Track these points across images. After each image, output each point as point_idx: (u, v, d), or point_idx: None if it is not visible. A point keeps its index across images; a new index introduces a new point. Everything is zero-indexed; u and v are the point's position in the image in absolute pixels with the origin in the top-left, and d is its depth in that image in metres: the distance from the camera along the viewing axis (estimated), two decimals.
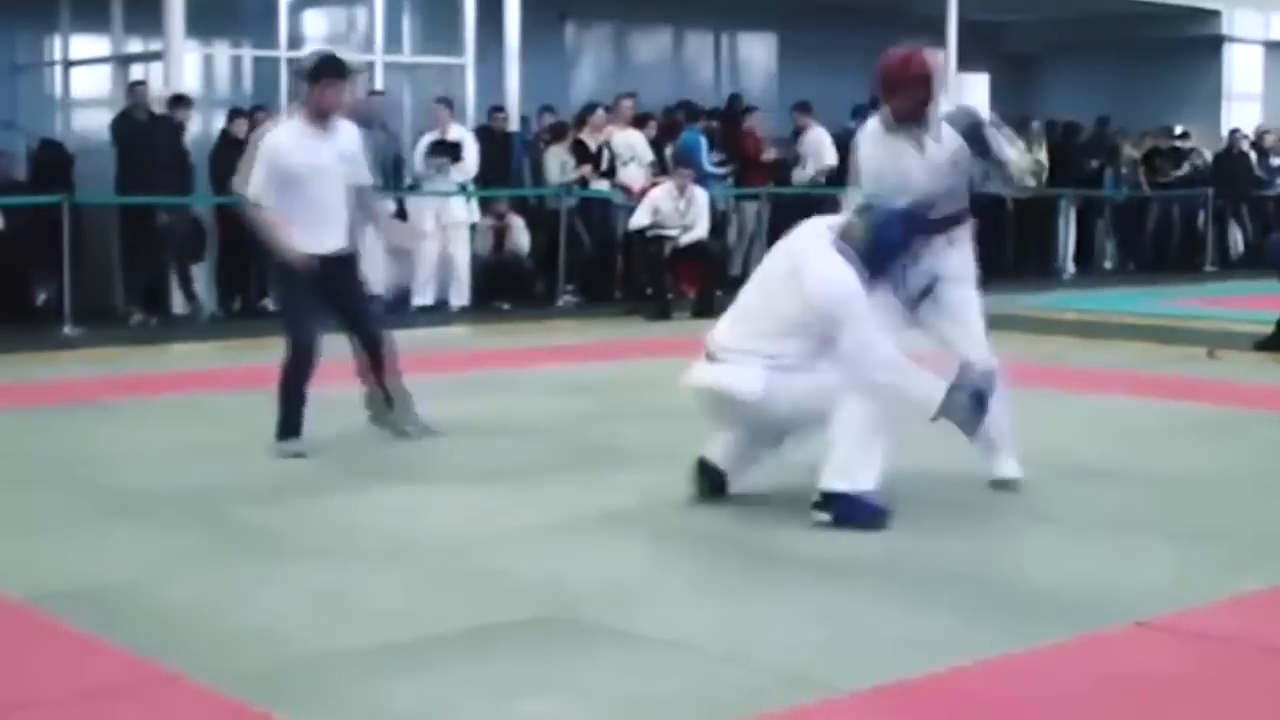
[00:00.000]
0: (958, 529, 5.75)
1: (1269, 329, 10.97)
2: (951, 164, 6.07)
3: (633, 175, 14.86)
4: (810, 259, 5.80)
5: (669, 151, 15.07)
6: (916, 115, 6.01)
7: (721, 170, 15.68)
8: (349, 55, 7.84)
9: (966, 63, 19.49)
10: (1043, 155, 18.21)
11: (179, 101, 13.27)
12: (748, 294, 6.00)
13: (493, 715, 3.85)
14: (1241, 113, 22.32)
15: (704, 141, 15.39)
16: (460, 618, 4.60)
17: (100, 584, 5.00)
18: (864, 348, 5.68)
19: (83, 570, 5.19)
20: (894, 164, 6.07)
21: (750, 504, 6.03)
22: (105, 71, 15.44)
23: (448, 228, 14.11)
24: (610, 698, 3.94)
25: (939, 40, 18.95)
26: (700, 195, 13.97)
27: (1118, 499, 6.29)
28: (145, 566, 5.24)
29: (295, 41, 15.24)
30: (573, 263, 14.75)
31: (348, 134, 7.35)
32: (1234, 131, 20.42)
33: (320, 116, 7.18)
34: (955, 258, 6.19)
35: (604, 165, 14.82)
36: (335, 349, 7.47)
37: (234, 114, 13.66)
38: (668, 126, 15.87)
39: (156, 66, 14.31)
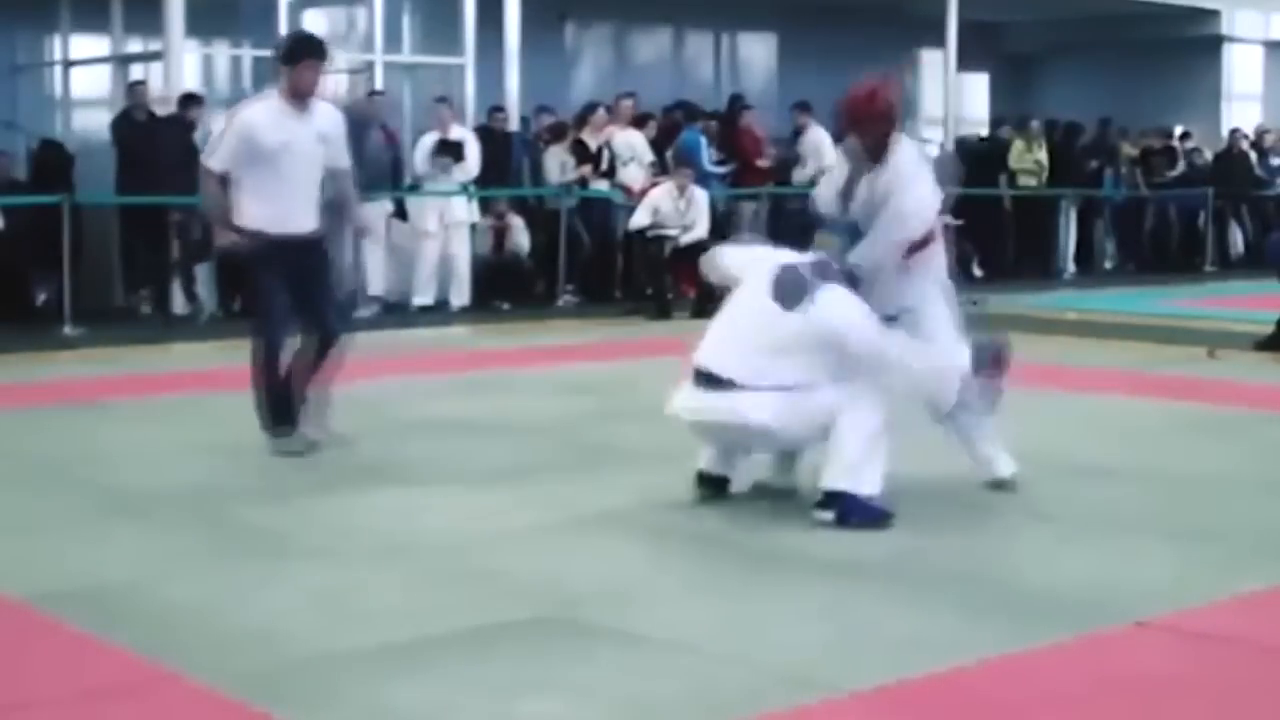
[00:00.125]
0: (958, 529, 5.76)
1: (1269, 329, 10.97)
2: (885, 196, 6.01)
3: (633, 175, 14.85)
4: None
5: (669, 152, 15.06)
6: (878, 151, 6.06)
7: (721, 170, 15.68)
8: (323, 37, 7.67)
9: (966, 63, 19.47)
10: (1042, 155, 18.27)
11: (190, 100, 13.23)
12: (739, 314, 5.89)
13: (493, 715, 3.85)
14: (1241, 113, 22.33)
15: (704, 141, 15.39)
16: (460, 618, 4.60)
17: (100, 584, 5.00)
18: (877, 353, 5.69)
19: (83, 570, 5.19)
20: (847, 189, 6.11)
21: (750, 504, 6.03)
22: (105, 71, 15.44)
23: (449, 227, 14.11)
24: (610, 698, 3.94)
25: (939, 40, 18.98)
26: (700, 195, 13.96)
27: (1118, 499, 6.29)
28: (145, 566, 5.24)
29: None
30: (573, 263, 14.73)
31: (325, 115, 7.23)
32: (1234, 131, 20.41)
33: (298, 97, 7.07)
34: (918, 284, 6.11)
35: (604, 165, 14.81)
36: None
37: None
38: (668, 127, 15.86)
39: (156, 66, 14.30)
